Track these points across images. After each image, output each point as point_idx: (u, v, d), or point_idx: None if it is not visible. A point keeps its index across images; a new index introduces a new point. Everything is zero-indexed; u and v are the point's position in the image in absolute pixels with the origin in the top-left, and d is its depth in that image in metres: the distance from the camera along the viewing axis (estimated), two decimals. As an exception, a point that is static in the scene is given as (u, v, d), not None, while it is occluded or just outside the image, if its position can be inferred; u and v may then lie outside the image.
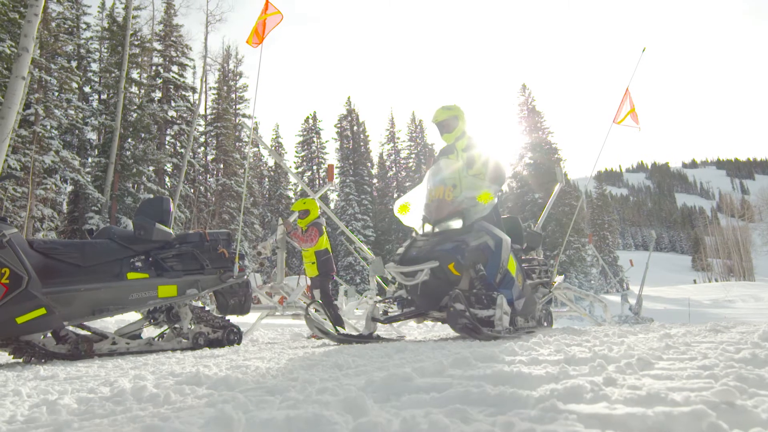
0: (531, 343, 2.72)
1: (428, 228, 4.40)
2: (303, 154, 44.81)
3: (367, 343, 3.90)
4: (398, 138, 47.65)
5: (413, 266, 4.03)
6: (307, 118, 46.05)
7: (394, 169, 46.88)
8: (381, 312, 4.40)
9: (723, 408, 1.02)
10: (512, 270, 4.32)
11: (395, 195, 43.68)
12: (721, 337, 2.99)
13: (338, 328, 4.75)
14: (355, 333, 5.44)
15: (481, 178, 4.54)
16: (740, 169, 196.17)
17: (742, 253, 69.87)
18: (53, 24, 21.24)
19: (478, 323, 3.74)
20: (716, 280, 64.30)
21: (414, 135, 47.44)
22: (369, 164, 45.10)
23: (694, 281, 64.07)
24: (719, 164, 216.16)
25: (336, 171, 41.67)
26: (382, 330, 5.59)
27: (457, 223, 4.22)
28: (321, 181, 43.16)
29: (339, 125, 45.84)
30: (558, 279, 8.31)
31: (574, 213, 39.35)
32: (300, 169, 43.98)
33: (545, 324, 5.87)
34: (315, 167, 44.54)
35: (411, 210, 4.76)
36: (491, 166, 4.58)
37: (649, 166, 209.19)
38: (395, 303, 4.42)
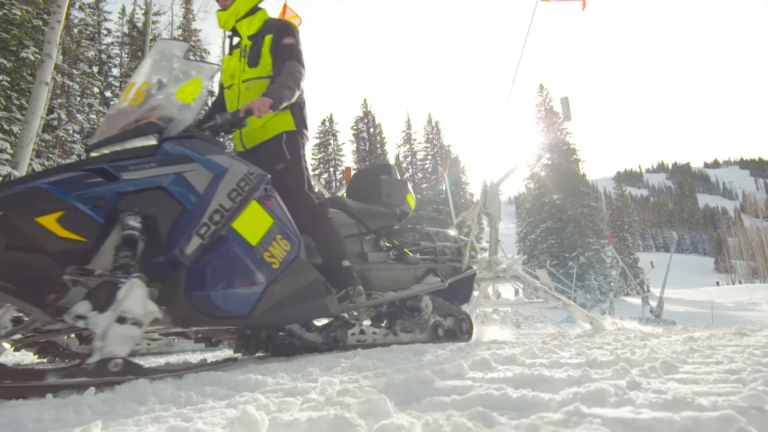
0: (551, 345, 2.70)
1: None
2: (320, 156, 44.98)
3: None
4: (414, 140, 47.61)
5: None
6: (324, 120, 46.22)
7: (410, 170, 46.80)
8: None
9: (752, 413, 1.00)
10: (252, 234, 2.36)
11: (412, 197, 43.57)
12: (747, 341, 2.93)
13: None
14: None
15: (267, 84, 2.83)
16: (764, 169, 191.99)
17: (767, 254, 68.36)
18: (75, 30, 21.67)
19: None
20: (740, 282, 63.02)
21: (430, 136, 47.36)
22: (385, 166, 45.12)
23: (717, 283, 62.90)
24: (742, 164, 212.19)
25: (353, 173, 41.76)
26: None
27: (144, 142, 2.25)
28: (338, 183, 43.26)
29: (355, 127, 46.01)
30: (507, 260, 6.04)
31: (593, 214, 39.02)
32: (317, 171, 44.17)
33: (450, 335, 3.78)
34: (332, 169, 44.68)
35: None
36: (286, 63, 2.84)
37: (670, 167, 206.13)
38: None
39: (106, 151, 2.22)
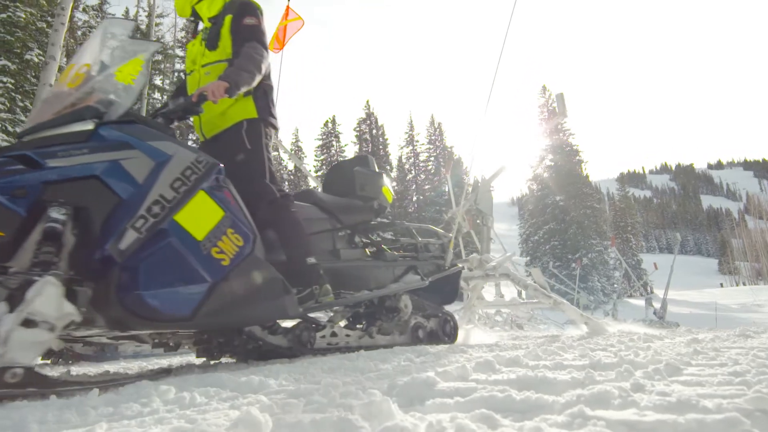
0: (554, 347, 2.69)
1: None
2: (322, 157, 45.02)
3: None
4: (417, 141, 47.66)
5: None
6: (327, 122, 46.31)
7: (413, 172, 46.83)
8: None
9: (757, 416, 0.99)
10: (197, 228, 2.13)
11: (414, 198, 43.70)
12: (751, 343, 2.91)
13: None
14: None
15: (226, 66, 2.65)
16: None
17: (771, 255, 68.11)
18: (79, 32, 21.76)
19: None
20: (744, 284, 62.84)
21: (433, 138, 47.39)
22: (388, 167, 45.19)
23: (721, 285, 62.69)
24: (746, 165, 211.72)
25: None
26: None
27: (81, 127, 2.02)
28: (340, 185, 43.26)
29: (358, 129, 46.07)
30: (497, 257, 5.81)
31: (596, 216, 38.97)
32: (319, 173, 44.22)
33: (432, 337, 3.54)
34: (334, 171, 44.69)
35: None
36: (247, 46, 2.64)
37: (673, 168, 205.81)
38: None
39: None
